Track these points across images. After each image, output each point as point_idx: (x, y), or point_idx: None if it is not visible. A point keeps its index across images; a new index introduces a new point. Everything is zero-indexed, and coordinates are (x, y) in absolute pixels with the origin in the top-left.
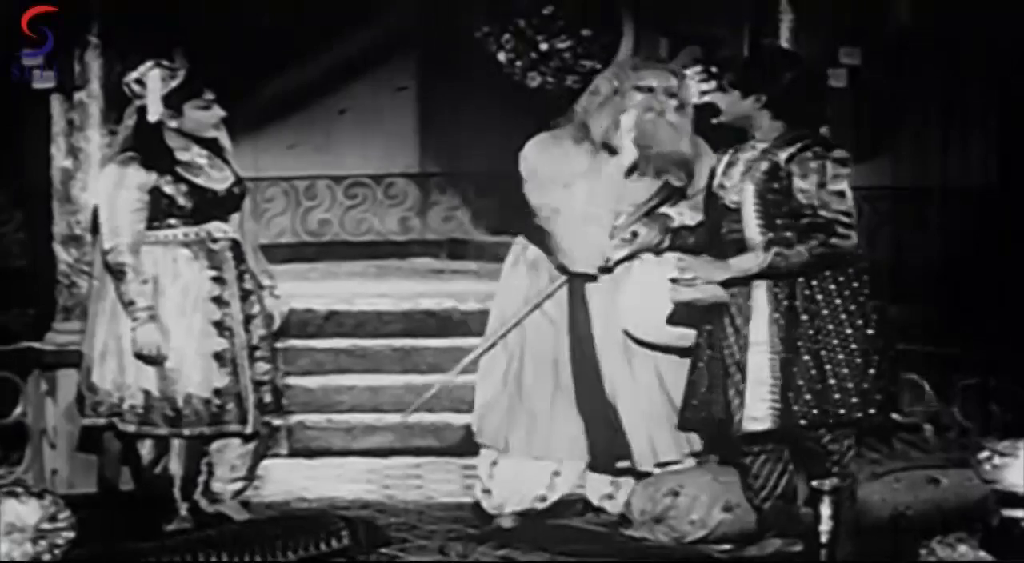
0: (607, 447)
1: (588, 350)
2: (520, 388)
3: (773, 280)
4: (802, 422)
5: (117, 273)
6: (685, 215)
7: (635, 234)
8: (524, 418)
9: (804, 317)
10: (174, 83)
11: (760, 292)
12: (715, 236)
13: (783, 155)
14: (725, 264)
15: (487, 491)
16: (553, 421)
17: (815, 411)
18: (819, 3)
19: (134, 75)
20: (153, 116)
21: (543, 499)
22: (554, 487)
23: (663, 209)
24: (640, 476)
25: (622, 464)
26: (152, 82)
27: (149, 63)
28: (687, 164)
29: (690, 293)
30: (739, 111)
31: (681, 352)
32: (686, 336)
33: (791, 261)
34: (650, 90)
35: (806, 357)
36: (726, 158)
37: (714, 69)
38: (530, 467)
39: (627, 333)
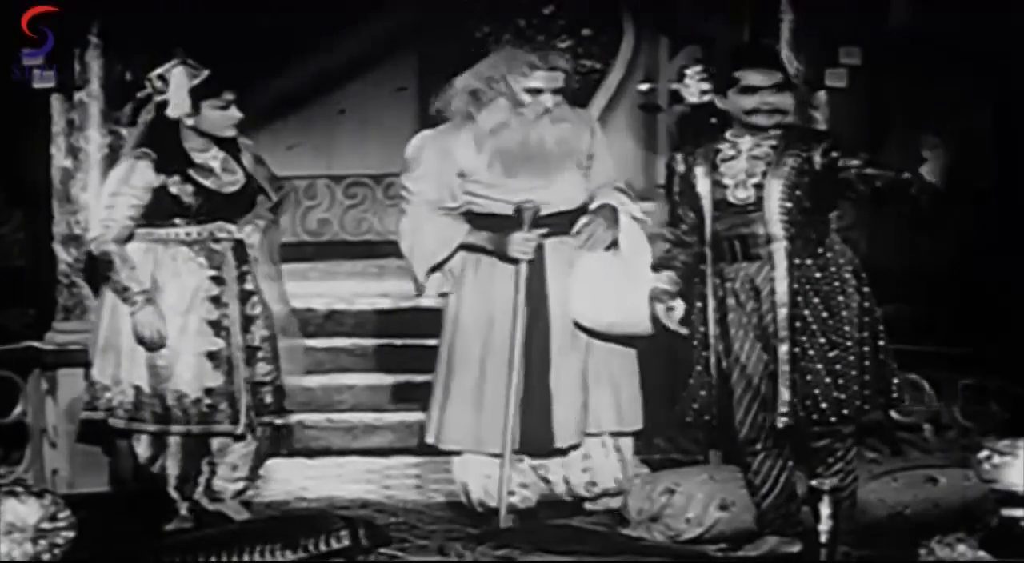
0: (540, 432)
1: (543, 338)
2: (483, 386)
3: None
4: (809, 417)
5: (105, 262)
6: (628, 206)
7: (590, 235)
8: (489, 414)
9: (805, 314)
10: (196, 82)
11: (782, 286)
12: (710, 234)
13: (817, 151)
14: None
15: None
16: (513, 413)
17: (818, 408)
18: (819, 3)
19: (158, 71)
20: (174, 112)
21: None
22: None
23: (608, 200)
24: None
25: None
26: (176, 79)
27: (175, 61)
28: (584, 151)
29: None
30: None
31: (623, 340)
32: (636, 324)
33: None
34: (538, 92)
35: (798, 351)
36: (715, 153)
37: (714, 69)
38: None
39: (576, 324)
